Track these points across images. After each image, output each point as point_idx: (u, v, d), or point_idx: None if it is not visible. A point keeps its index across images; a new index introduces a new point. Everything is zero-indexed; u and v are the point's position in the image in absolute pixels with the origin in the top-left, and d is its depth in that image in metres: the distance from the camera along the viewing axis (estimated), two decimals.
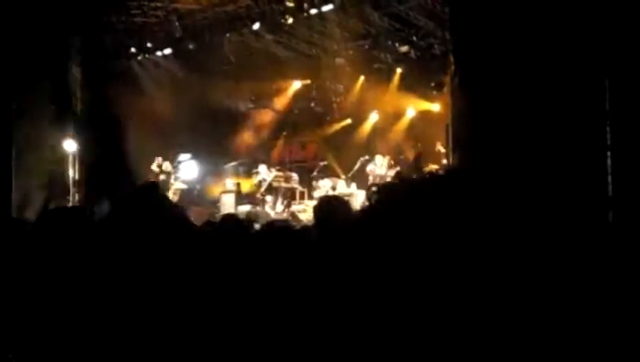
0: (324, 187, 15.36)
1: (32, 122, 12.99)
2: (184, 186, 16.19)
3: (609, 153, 5.07)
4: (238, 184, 16.22)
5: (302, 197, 15.90)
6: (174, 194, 15.70)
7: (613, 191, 4.98)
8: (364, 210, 2.38)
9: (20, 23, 12.18)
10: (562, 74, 5.38)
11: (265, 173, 16.10)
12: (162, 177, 15.70)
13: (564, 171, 5.21)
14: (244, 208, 14.78)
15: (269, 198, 15.61)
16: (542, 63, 5.56)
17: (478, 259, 1.68)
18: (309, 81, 17.91)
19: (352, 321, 1.77)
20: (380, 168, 14.43)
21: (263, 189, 15.69)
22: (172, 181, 16.05)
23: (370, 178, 14.41)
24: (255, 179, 16.23)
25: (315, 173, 15.87)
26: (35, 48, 12.82)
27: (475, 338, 1.57)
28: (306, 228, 4.02)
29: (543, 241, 1.89)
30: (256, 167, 16.55)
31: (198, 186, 16.26)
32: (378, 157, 14.64)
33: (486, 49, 6.43)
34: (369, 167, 14.55)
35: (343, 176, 15.57)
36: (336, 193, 14.48)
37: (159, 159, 16.04)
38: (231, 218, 3.97)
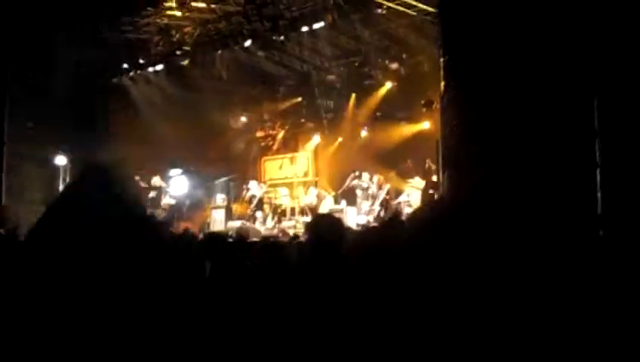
0: (309, 196, 15.43)
1: (22, 138, 13.00)
2: (173, 202, 16.12)
3: (598, 170, 5.13)
4: (229, 205, 16.26)
5: (292, 213, 15.91)
6: (163, 210, 15.63)
7: (603, 208, 5.03)
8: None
9: (11, 39, 12.20)
10: (551, 91, 5.45)
11: (255, 189, 16.13)
12: (152, 194, 15.64)
13: (553, 188, 5.27)
14: (234, 224, 14.77)
15: (259, 214, 15.62)
16: (532, 82, 5.64)
17: (472, 281, 1.72)
18: (299, 98, 17.99)
19: (345, 331, 1.81)
20: (366, 183, 14.49)
21: (253, 205, 15.72)
22: (162, 197, 15.99)
23: (358, 194, 14.46)
24: (246, 195, 16.25)
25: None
26: (26, 63, 12.85)
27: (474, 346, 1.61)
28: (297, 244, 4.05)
29: (535, 258, 1.94)
30: (247, 183, 16.59)
31: (187, 201, 16.18)
32: (365, 175, 14.71)
33: (477, 66, 6.50)
34: (354, 182, 14.67)
35: (332, 193, 15.61)
36: (325, 209, 14.53)
37: (155, 179, 15.98)
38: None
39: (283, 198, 16.28)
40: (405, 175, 14.78)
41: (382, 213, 13.37)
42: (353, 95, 16.82)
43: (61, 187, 14.40)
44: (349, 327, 1.92)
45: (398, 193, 14.32)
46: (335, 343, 2.00)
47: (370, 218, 13.54)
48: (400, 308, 1.72)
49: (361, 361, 1.77)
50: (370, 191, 14.31)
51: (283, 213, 15.82)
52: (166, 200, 15.98)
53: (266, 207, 15.92)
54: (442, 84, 7.97)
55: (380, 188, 14.20)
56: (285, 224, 14.95)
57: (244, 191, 16.43)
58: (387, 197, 13.99)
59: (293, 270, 3.00)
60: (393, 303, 1.74)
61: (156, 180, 15.98)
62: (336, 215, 13.08)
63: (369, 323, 1.84)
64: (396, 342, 1.69)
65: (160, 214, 14.79)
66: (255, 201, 15.81)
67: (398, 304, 1.73)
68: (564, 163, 5.31)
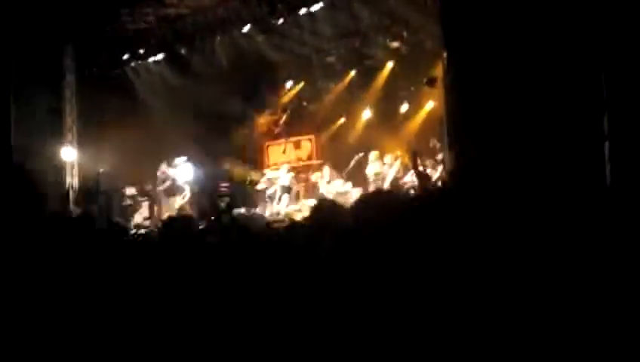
0: (315, 178, 15.38)
1: (28, 132, 13.03)
2: (186, 190, 15.95)
3: (607, 143, 5.14)
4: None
5: (297, 198, 15.91)
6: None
7: (612, 180, 5.04)
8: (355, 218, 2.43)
9: (14, 34, 12.20)
10: (558, 66, 5.44)
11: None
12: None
13: (562, 162, 5.27)
14: (239, 211, 14.76)
15: (267, 198, 15.63)
16: (537, 55, 5.62)
17: (478, 258, 1.74)
18: (301, 82, 17.95)
19: (345, 320, 1.83)
20: (374, 164, 14.35)
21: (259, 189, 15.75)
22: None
23: (370, 176, 14.32)
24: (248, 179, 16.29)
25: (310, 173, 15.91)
26: (30, 57, 12.86)
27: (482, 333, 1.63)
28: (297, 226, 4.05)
29: (543, 234, 1.95)
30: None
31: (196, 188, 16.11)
32: (372, 153, 14.59)
33: (479, 43, 6.48)
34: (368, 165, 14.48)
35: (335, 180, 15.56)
36: (331, 190, 14.51)
37: (131, 189, 15.78)
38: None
39: (287, 183, 16.25)
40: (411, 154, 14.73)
41: None
42: (352, 73, 16.74)
43: (68, 180, 14.47)
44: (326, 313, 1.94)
45: (404, 173, 14.27)
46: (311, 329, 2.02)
47: None
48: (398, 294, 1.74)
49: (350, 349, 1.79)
50: (379, 170, 14.17)
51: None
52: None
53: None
54: (445, 61, 7.96)
55: (390, 166, 14.09)
56: (291, 208, 14.94)
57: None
58: (398, 176, 13.89)
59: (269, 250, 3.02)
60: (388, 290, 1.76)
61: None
62: (343, 197, 13.15)
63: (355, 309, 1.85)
64: (394, 329, 1.71)
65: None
66: (260, 187, 15.82)
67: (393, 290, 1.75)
68: (572, 136, 5.31)
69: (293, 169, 16.97)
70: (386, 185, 13.52)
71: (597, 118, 5.12)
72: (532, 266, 1.83)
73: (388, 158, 14.25)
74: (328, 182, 14.89)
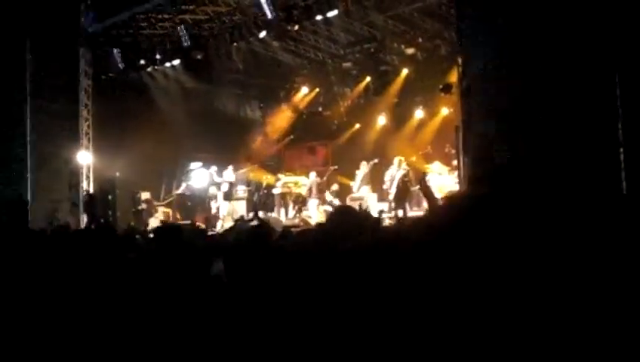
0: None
1: (44, 136, 13.17)
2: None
3: (621, 149, 5.10)
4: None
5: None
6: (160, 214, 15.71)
7: (628, 187, 5.00)
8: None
9: (31, 38, 12.35)
10: (573, 72, 5.41)
11: (274, 179, 16.20)
12: (143, 206, 15.63)
13: (578, 169, 5.24)
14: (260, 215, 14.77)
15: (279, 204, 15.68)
16: (551, 63, 5.60)
17: (500, 265, 1.74)
18: (316, 87, 17.99)
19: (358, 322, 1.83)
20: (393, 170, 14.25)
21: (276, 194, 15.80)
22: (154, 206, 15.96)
23: (387, 181, 14.22)
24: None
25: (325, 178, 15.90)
26: (46, 62, 13.00)
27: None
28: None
29: (560, 240, 1.94)
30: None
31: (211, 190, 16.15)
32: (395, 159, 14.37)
33: (494, 49, 6.46)
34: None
35: (352, 183, 15.56)
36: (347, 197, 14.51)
37: (146, 194, 15.90)
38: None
39: (303, 187, 16.29)
40: (426, 160, 14.72)
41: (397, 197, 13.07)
42: (368, 79, 16.76)
43: (84, 184, 14.59)
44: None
45: (419, 179, 14.17)
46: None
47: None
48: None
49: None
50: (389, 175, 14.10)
51: (303, 203, 15.83)
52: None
53: (287, 196, 15.94)
54: (460, 67, 7.94)
55: (398, 168, 14.01)
56: (305, 213, 14.96)
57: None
58: (406, 179, 13.80)
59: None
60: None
61: (146, 195, 15.92)
62: (358, 202, 13.13)
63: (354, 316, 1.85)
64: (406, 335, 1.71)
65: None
66: (276, 191, 15.86)
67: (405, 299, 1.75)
68: (587, 143, 5.28)
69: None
70: (393, 189, 13.42)
71: (612, 124, 5.08)
72: (550, 273, 1.81)
73: (396, 161, 14.21)
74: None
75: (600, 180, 5.18)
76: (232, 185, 15.51)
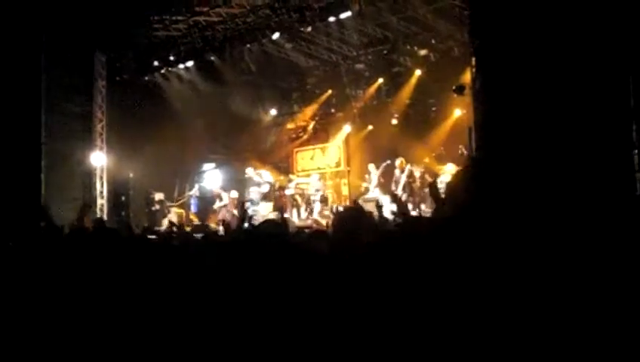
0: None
1: (59, 137, 13.25)
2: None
3: (636, 151, 5.07)
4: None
5: (325, 203, 15.91)
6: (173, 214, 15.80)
7: None
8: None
9: (46, 40, 12.43)
10: (586, 73, 5.38)
11: (287, 180, 16.23)
12: (157, 207, 15.73)
13: (591, 171, 5.21)
14: (271, 216, 14.79)
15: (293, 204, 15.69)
16: (565, 64, 5.57)
17: (507, 266, 1.73)
18: (329, 89, 17.99)
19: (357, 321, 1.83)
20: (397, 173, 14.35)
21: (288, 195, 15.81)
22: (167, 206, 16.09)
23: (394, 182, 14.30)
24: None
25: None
26: (61, 63, 13.08)
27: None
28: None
29: (573, 243, 1.94)
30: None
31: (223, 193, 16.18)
32: (397, 161, 14.52)
33: (507, 50, 6.43)
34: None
35: (365, 184, 15.55)
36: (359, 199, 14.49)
37: (160, 194, 16.07)
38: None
39: (315, 189, 16.29)
40: (439, 161, 14.70)
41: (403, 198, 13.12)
42: (380, 80, 16.75)
43: (98, 186, 14.67)
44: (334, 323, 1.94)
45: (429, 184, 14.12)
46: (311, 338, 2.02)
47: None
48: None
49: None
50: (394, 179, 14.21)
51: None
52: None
53: (298, 198, 15.95)
54: (473, 69, 7.92)
55: (402, 171, 14.06)
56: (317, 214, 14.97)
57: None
58: (410, 180, 13.83)
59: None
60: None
61: (160, 195, 16.02)
62: (373, 203, 13.11)
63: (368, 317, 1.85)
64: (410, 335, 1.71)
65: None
66: (289, 192, 15.86)
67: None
68: (602, 145, 5.25)
69: (322, 175, 17.03)
70: (399, 190, 13.48)
71: (626, 126, 5.05)
72: (561, 275, 1.81)
73: (397, 162, 14.27)
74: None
75: (614, 182, 5.15)
76: (271, 185, 15.60)
